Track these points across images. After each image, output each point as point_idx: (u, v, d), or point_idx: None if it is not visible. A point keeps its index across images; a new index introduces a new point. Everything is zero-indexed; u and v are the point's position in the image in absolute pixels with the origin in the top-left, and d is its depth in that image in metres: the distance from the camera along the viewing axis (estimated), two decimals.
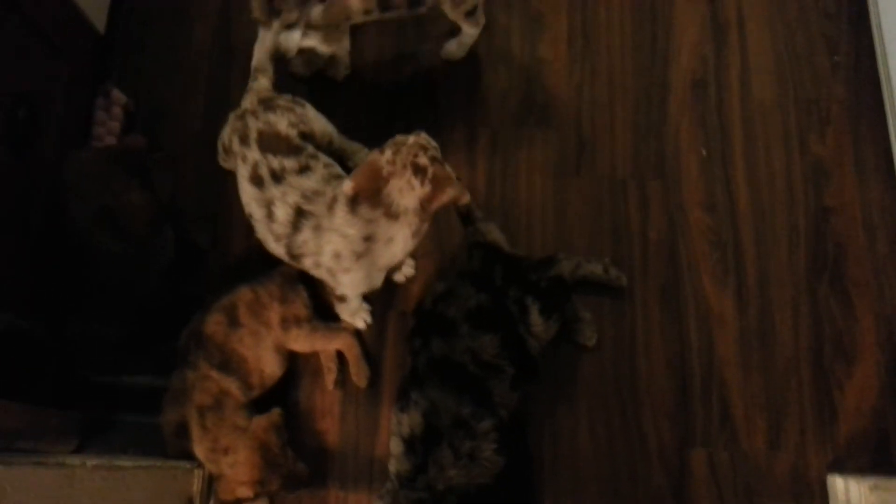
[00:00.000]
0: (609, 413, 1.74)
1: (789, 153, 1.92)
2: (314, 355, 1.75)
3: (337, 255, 1.45)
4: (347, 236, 1.42)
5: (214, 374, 1.59)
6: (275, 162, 1.48)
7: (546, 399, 1.73)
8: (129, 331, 1.69)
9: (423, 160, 1.35)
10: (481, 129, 1.95)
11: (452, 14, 1.79)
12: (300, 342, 1.69)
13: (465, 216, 1.78)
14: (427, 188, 1.36)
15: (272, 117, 1.54)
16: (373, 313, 1.78)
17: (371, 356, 1.77)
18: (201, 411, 1.56)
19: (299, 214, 1.44)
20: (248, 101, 1.59)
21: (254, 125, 1.53)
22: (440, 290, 1.64)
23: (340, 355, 1.75)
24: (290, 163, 1.48)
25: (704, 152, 1.92)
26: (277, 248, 1.51)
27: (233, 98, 1.92)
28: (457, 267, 1.71)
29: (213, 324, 1.63)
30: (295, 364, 1.74)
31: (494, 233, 1.75)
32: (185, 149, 1.91)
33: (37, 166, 1.60)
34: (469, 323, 1.54)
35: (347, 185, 1.39)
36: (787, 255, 1.85)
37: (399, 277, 1.80)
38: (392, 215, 1.38)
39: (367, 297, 1.75)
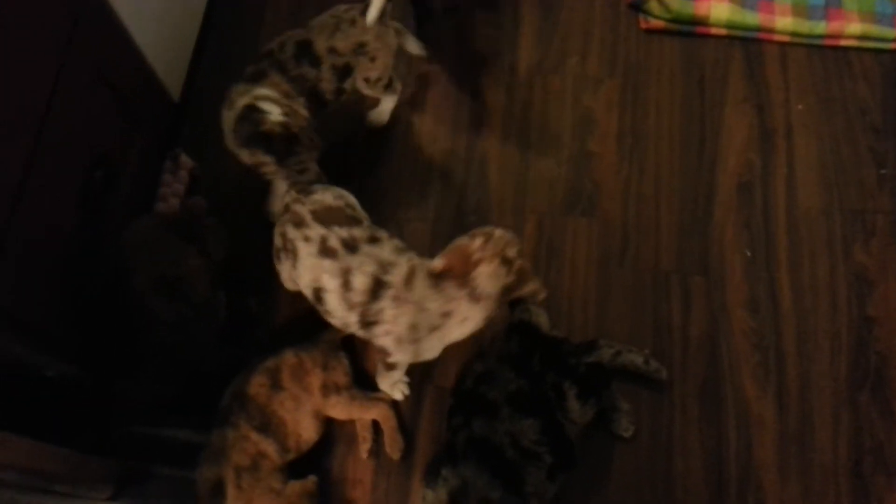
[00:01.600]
0: None
1: (833, 261, 1.94)
2: (350, 423, 1.76)
3: (413, 327, 1.49)
4: (426, 310, 1.46)
5: (254, 435, 1.61)
6: (343, 232, 1.53)
7: (578, 489, 1.71)
8: (176, 391, 1.73)
9: (511, 253, 1.43)
10: (529, 214, 2.01)
11: (372, 93, 1.95)
12: (338, 409, 1.71)
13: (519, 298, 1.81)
14: (512, 278, 1.43)
15: (316, 196, 1.61)
16: (410, 386, 1.80)
17: (406, 429, 1.77)
18: (238, 471, 1.57)
19: (377, 284, 1.48)
20: (288, 198, 1.67)
21: (303, 209, 1.59)
22: (480, 371, 1.66)
23: (376, 425, 1.76)
24: (358, 232, 1.54)
25: (749, 254, 1.95)
26: (349, 317, 1.54)
27: None
28: (495, 348, 1.73)
29: (257, 385, 1.66)
30: (330, 431, 1.75)
31: (539, 315, 1.77)
32: (241, 214, 1.98)
33: (105, 227, 1.67)
34: (510, 406, 1.55)
35: (438, 263, 1.45)
36: (828, 362, 1.85)
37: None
38: (475, 298, 1.43)
39: (407, 371, 1.77)
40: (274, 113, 1.69)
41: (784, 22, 2.18)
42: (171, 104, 1.97)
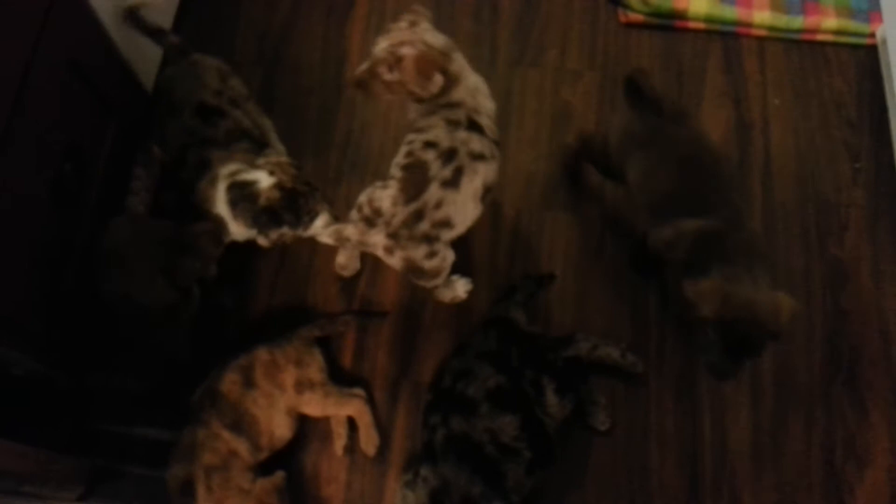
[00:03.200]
0: (618, 502, 1.71)
1: (808, 254, 1.95)
2: (324, 420, 1.75)
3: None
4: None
5: (225, 433, 1.59)
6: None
7: (555, 484, 1.71)
8: (150, 385, 1.70)
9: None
10: (507, 209, 2.00)
11: None
12: (313, 406, 1.69)
13: (508, 291, 1.82)
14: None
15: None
16: (386, 384, 1.79)
17: (381, 425, 1.76)
18: (208, 472, 1.56)
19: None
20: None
21: None
22: (457, 368, 1.66)
23: (351, 421, 1.74)
24: None
25: None
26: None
27: None
28: (473, 344, 1.73)
29: (229, 383, 1.64)
30: (304, 427, 1.73)
31: (517, 311, 1.77)
32: None
33: (76, 220, 1.64)
34: (489, 402, 1.55)
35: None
36: (803, 354, 1.86)
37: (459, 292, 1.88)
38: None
39: (381, 366, 1.76)
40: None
41: (762, 16, 2.18)
42: (144, 95, 1.93)
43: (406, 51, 1.55)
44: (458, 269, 1.89)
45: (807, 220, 1.99)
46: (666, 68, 2.17)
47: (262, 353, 1.69)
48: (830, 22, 2.18)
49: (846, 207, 2.01)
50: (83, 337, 1.66)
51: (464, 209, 1.60)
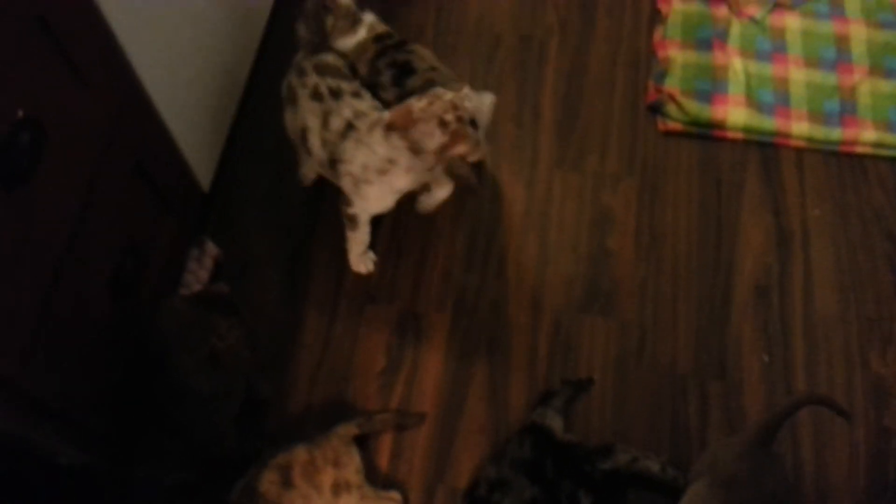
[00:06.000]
0: None
1: (850, 369, 1.93)
2: None
3: (364, 167, 1.77)
4: (375, 153, 1.75)
5: None
6: (332, 83, 1.83)
7: None
8: (193, 477, 1.72)
9: (448, 117, 1.67)
10: (546, 311, 2.02)
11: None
12: None
13: (546, 396, 1.81)
14: (446, 138, 1.68)
15: (321, 55, 1.90)
16: (422, 487, 1.78)
17: None
18: None
19: (348, 127, 1.78)
20: (299, 57, 1.93)
21: (307, 63, 1.89)
22: (493, 477, 1.65)
23: None
24: (346, 85, 1.83)
25: (766, 358, 1.94)
26: (321, 153, 1.84)
27: (314, 260, 2.06)
28: (508, 452, 1.73)
29: (268, 482, 1.65)
30: None
31: (554, 419, 1.77)
32: (260, 301, 2.01)
33: (129, 312, 1.69)
34: None
35: (387, 115, 1.74)
36: (846, 473, 1.82)
37: (428, 202, 2.10)
38: (415, 150, 1.71)
39: (418, 466, 1.76)
40: None
41: (800, 128, 2.22)
42: (201, 194, 2.01)
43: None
44: (498, 364, 1.92)
45: (848, 334, 1.98)
46: (704, 175, 2.21)
47: (300, 453, 1.70)
48: (869, 134, 2.22)
49: (889, 322, 1.99)
50: (130, 427, 1.69)
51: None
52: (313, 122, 1.82)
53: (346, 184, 1.83)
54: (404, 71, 1.92)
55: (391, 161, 1.75)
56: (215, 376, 1.67)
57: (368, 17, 2.00)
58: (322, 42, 1.94)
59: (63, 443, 1.56)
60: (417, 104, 1.69)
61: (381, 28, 2.02)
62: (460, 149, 1.70)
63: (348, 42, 1.98)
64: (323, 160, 1.85)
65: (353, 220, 1.93)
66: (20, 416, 1.39)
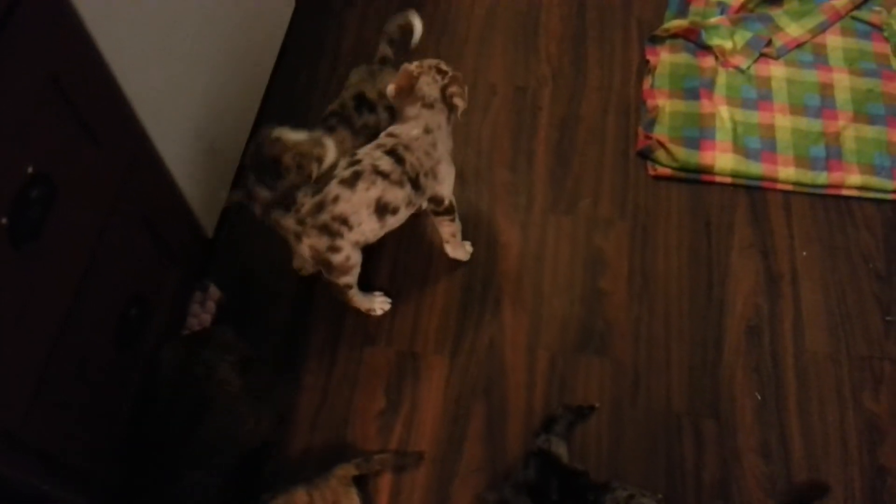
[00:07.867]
0: None
1: (843, 408, 1.96)
2: None
3: (427, 155, 1.87)
4: (419, 138, 1.86)
5: None
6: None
7: None
8: None
9: (443, 66, 1.89)
10: (542, 352, 2.05)
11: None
12: None
13: (548, 422, 1.86)
14: (447, 80, 1.87)
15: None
16: None
17: None
18: None
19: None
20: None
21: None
22: (493, 501, 1.67)
23: None
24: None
25: (759, 397, 1.97)
26: (405, 197, 1.86)
27: (319, 302, 2.11)
28: (512, 477, 1.75)
29: None
30: None
31: (560, 446, 1.79)
32: (261, 343, 2.05)
33: (135, 359, 1.73)
34: None
35: (390, 87, 1.87)
36: None
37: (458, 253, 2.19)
38: (427, 105, 1.86)
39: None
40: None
41: (787, 172, 2.29)
42: (205, 240, 2.07)
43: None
44: (496, 404, 1.93)
45: (840, 373, 2.01)
46: (694, 218, 2.27)
47: (300, 495, 1.72)
48: (854, 178, 2.28)
49: (880, 360, 2.03)
50: (132, 475, 1.71)
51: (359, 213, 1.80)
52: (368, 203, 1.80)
53: (432, 185, 1.92)
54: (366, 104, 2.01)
55: (428, 130, 1.86)
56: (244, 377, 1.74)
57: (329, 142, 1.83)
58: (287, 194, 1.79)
59: (70, 493, 1.56)
60: (410, 66, 1.88)
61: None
62: (456, 89, 1.88)
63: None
64: (408, 196, 1.85)
65: (452, 210, 2.04)
66: (25, 468, 1.39)
